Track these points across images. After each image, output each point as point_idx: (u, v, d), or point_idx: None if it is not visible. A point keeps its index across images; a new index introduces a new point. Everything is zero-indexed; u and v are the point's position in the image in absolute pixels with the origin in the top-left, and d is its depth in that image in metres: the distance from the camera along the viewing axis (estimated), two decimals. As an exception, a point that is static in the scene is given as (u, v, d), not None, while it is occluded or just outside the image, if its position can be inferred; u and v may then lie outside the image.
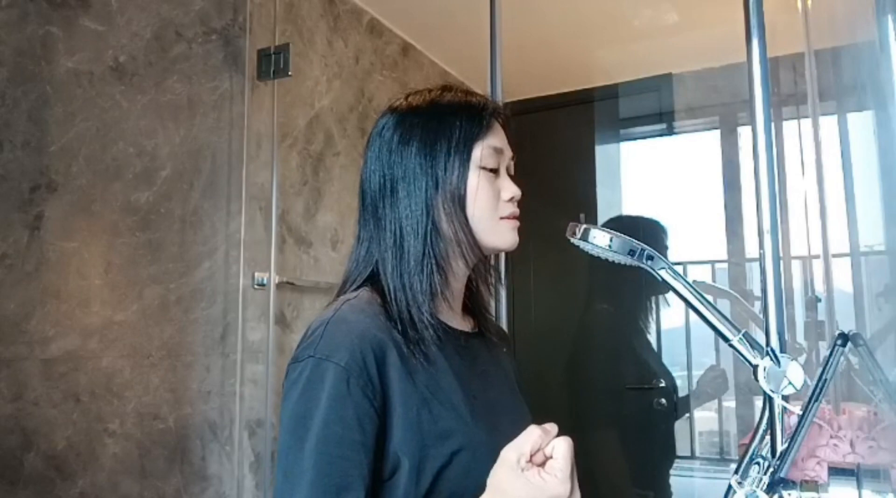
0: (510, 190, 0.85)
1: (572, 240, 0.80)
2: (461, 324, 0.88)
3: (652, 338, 2.42)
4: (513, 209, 0.85)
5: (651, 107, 2.90)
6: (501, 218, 0.84)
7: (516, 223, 0.85)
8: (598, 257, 0.79)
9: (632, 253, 0.78)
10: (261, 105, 1.93)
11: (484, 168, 0.83)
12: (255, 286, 1.86)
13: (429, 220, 0.81)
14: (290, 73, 1.90)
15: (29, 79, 1.41)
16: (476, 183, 0.82)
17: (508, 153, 0.87)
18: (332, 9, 2.22)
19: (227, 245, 1.82)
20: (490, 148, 0.84)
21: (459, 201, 0.81)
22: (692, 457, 2.87)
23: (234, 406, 1.80)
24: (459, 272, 0.86)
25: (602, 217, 2.79)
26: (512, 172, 0.89)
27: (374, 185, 0.85)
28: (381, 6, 2.38)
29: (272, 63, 1.91)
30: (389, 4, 2.37)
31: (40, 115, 1.43)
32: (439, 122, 0.84)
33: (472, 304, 0.93)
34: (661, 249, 2.14)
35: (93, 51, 1.53)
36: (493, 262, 0.96)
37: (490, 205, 0.83)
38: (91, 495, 1.46)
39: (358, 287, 0.84)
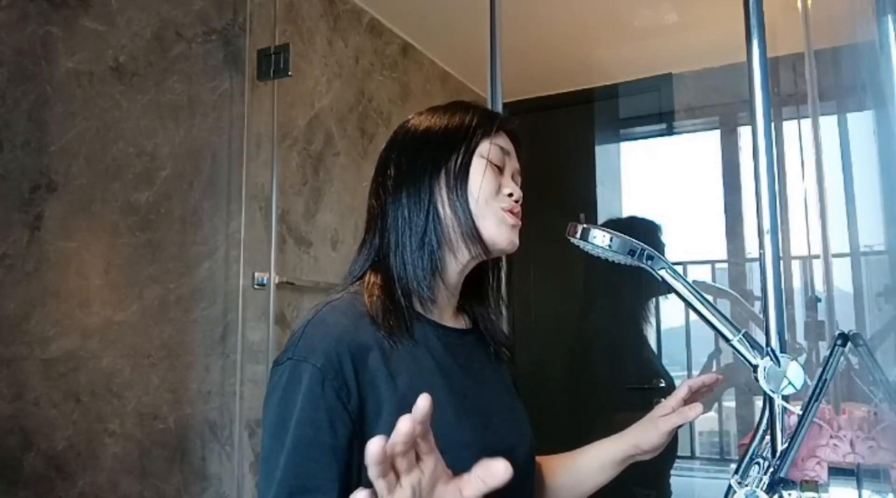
0: (511, 187, 0.86)
1: (572, 240, 0.80)
2: (454, 322, 0.88)
3: (652, 338, 2.43)
4: (515, 204, 0.86)
5: (651, 107, 2.90)
6: (501, 209, 0.84)
7: (517, 222, 0.85)
8: (598, 257, 0.79)
9: (632, 253, 0.78)
10: (261, 105, 1.92)
11: (488, 161, 0.85)
12: (255, 286, 1.86)
13: (430, 202, 0.83)
14: (290, 73, 1.90)
15: (29, 79, 1.41)
16: (478, 172, 0.84)
17: (515, 163, 0.89)
18: (332, 9, 2.22)
19: (227, 245, 1.82)
20: (497, 145, 0.86)
21: (460, 185, 0.83)
22: (692, 457, 2.87)
23: (234, 406, 1.80)
24: (461, 259, 0.85)
25: (602, 217, 2.79)
26: (518, 182, 0.90)
27: (384, 171, 0.88)
28: (381, 6, 2.38)
29: (272, 63, 1.91)
30: (389, 4, 2.37)
31: (40, 115, 1.43)
32: (451, 118, 0.87)
33: (473, 304, 0.93)
34: (658, 248, 2.15)
35: (93, 51, 1.53)
36: (498, 272, 0.96)
37: (490, 194, 0.84)
38: (91, 495, 1.46)
39: (359, 276, 0.85)
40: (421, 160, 0.84)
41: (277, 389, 0.74)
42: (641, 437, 0.94)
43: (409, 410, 0.73)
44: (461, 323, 0.90)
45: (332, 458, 0.70)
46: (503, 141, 0.88)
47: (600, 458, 0.97)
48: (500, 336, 0.94)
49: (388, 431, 0.71)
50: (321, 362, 0.72)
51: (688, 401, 0.93)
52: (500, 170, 0.86)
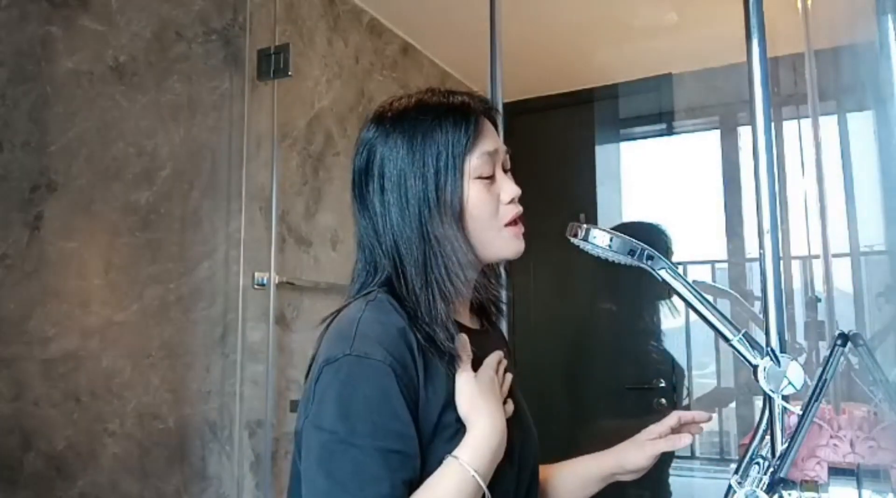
0: (509, 191, 0.82)
1: (572, 240, 0.80)
2: (470, 322, 0.88)
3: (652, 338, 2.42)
4: (516, 210, 0.82)
5: (651, 107, 2.90)
6: (506, 225, 0.82)
7: (521, 229, 0.83)
8: (598, 258, 0.79)
9: (632, 253, 0.78)
10: (261, 105, 1.92)
11: (479, 177, 0.80)
12: (255, 286, 1.86)
13: (427, 246, 0.78)
14: (290, 73, 1.90)
15: (29, 79, 1.41)
16: (472, 195, 0.79)
17: (502, 150, 0.84)
18: (332, 9, 2.22)
19: (227, 245, 1.82)
20: (483, 154, 0.80)
21: (457, 219, 0.79)
22: (692, 457, 2.87)
23: (234, 406, 1.80)
24: (466, 283, 0.84)
25: (602, 217, 2.79)
26: (508, 166, 0.85)
27: (368, 208, 0.82)
28: (381, 6, 2.38)
29: (272, 63, 1.91)
30: (389, 4, 2.37)
31: (40, 115, 1.43)
32: (425, 136, 0.80)
33: (480, 305, 0.92)
34: (665, 254, 2.15)
35: (93, 51, 1.53)
36: (499, 270, 0.94)
37: (490, 214, 0.80)
38: (91, 495, 1.46)
39: (374, 286, 0.82)
40: (411, 193, 0.79)
41: (334, 386, 0.71)
42: (627, 457, 0.94)
43: (445, 413, 0.74)
44: (475, 323, 0.89)
45: (418, 449, 0.71)
46: (485, 141, 0.81)
47: (584, 474, 0.97)
48: (499, 330, 0.95)
49: (427, 433, 0.73)
50: (388, 359, 0.71)
51: (676, 430, 0.94)
52: (491, 179, 0.81)
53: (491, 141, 0.82)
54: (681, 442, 0.92)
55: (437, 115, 0.81)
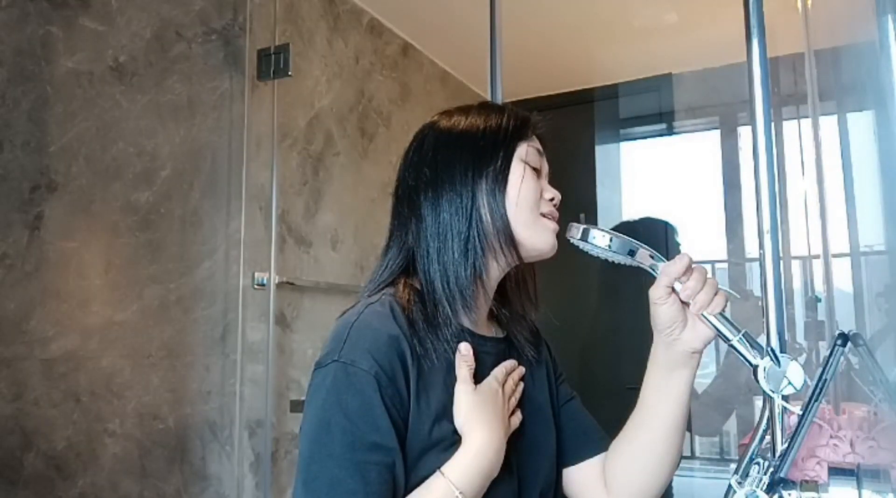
0: (551, 191, 0.85)
1: (572, 240, 0.79)
2: (487, 330, 0.86)
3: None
4: (552, 209, 0.85)
5: (651, 107, 2.90)
6: (542, 214, 0.83)
7: (556, 226, 0.84)
8: (597, 257, 0.79)
9: (631, 253, 0.78)
10: (261, 105, 1.93)
11: (527, 164, 0.83)
12: (255, 286, 1.86)
13: (473, 207, 0.80)
14: (290, 73, 1.90)
15: (29, 79, 1.41)
16: (518, 176, 0.81)
17: (546, 166, 0.88)
18: (332, 9, 2.22)
19: (227, 245, 1.82)
20: (533, 149, 0.84)
21: (500, 189, 0.80)
22: (692, 457, 2.87)
23: (234, 406, 1.80)
24: (502, 264, 0.83)
25: (602, 217, 2.79)
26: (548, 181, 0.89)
27: (413, 178, 0.83)
28: (381, 6, 2.38)
29: (272, 63, 1.91)
30: (389, 4, 2.37)
31: (40, 115, 1.43)
32: (487, 120, 0.84)
33: (502, 309, 0.91)
34: (673, 247, 2.15)
35: (93, 51, 1.53)
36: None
37: (532, 199, 0.82)
38: (91, 495, 1.46)
39: (387, 284, 0.82)
40: (461, 164, 0.81)
41: (320, 392, 0.71)
42: (669, 350, 0.79)
43: (440, 425, 0.73)
44: (493, 331, 0.88)
45: (400, 462, 0.70)
46: (537, 143, 0.86)
47: (647, 388, 0.83)
48: (526, 333, 0.91)
49: (419, 444, 0.72)
50: (375, 369, 0.70)
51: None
52: (537, 173, 0.84)
53: (540, 146, 0.87)
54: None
55: (500, 111, 0.86)
